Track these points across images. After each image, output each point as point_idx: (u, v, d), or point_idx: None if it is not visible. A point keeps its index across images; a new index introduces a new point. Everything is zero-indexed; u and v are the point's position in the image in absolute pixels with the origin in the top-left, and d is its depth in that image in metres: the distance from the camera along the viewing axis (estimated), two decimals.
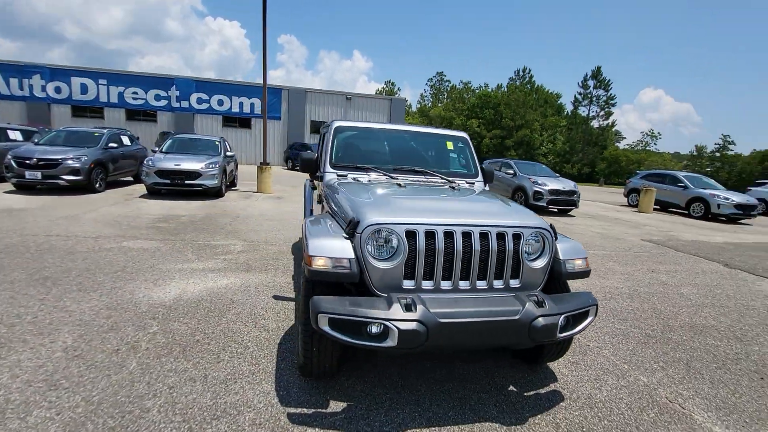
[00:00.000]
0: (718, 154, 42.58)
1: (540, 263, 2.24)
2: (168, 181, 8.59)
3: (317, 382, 2.34)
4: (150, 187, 8.83)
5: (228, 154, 10.30)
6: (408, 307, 1.86)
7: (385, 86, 63.46)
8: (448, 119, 49.55)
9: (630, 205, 15.26)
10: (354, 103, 27.41)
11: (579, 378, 2.61)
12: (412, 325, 1.81)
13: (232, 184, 11.29)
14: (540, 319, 1.96)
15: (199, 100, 24.55)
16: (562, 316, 2.02)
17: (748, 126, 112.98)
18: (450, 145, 3.69)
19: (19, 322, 2.79)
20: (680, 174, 14.48)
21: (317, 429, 1.96)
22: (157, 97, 23.94)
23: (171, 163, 8.68)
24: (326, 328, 1.84)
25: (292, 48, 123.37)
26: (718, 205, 12.28)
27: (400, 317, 1.82)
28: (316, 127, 27.02)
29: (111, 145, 9.44)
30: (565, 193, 11.22)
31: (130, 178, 11.17)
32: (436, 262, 2.06)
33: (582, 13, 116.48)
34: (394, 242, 2.06)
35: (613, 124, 47.02)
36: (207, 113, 24.86)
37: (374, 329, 1.86)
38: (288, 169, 22.60)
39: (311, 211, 4.37)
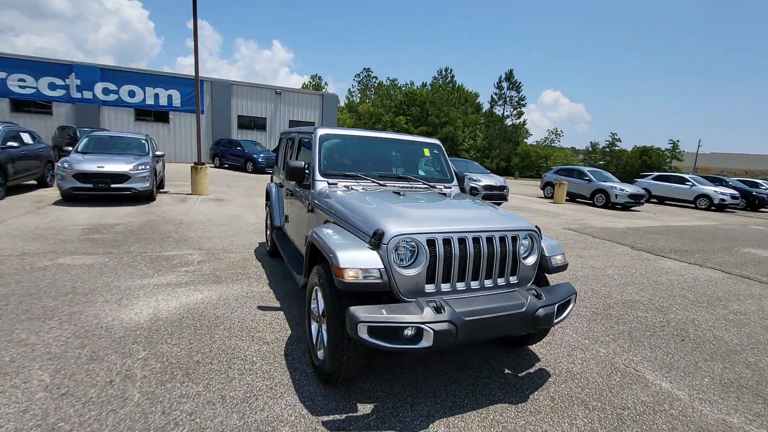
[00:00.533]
0: (608, 149, 49.34)
1: (531, 260, 2.57)
2: (90, 186, 7.60)
3: (338, 389, 2.42)
4: (66, 193, 7.72)
5: (157, 153, 9.39)
6: (437, 310, 2.05)
7: (311, 80, 62.13)
8: (377, 115, 50.29)
9: (546, 197, 17.15)
10: (284, 98, 26.47)
11: (555, 356, 3.04)
12: (445, 326, 2.00)
13: (160, 186, 10.33)
14: (541, 309, 2.28)
15: (106, 91, 21.60)
16: (556, 305, 2.37)
17: (629, 124, 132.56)
18: (427, 152, 3.92)
19: None
20: (585, 169, 16.64)
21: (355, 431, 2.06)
22: (52, 86, 20.52)
23: (92, 164, 7.68)
24: (365, 336, 1.94)
25: (205, 34, 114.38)
26: (616, 196, 14.42)
27: (433, 319, 2.00)
28: (245, 123, 25.62)
29: (10, 144, 8.02)
30: (497, 188, 12.32)
31: (33, 182, 9.61)
32: (452, 266, 2.27)
33: (494, 18, 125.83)
34: (417, 250, 2.22)
35: (524, 123, 51.83)
36: (116, 105, 22.01)
37: (408, 332, 2.01)
38: (215, 167, 21.13)
39: (286, 217, 4.30)
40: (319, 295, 2.50)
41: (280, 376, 2.52)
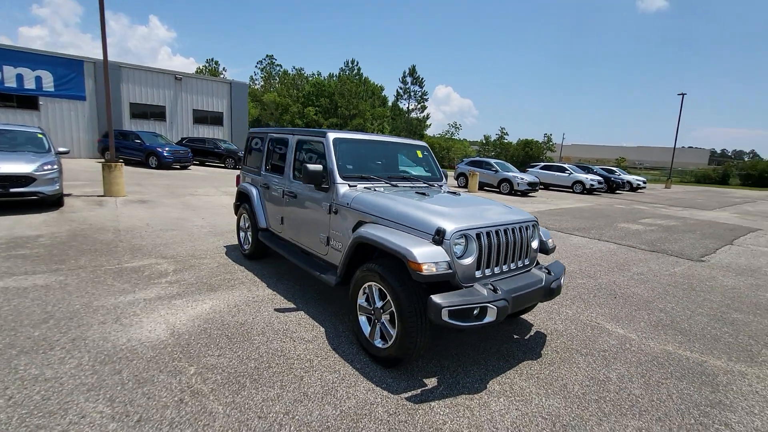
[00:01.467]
0: (497, 142, 55.64)
1: (535, 245, 3.20)
2: None
3: (399, 370, 2.73)
4: None
5: (60, 150, 7.97)
6: (494, 290, 2.52)
7: (207, 65, 56.68)
8: (284, 105, 48.43)
9: (460, 186, 18.96)
10: (186, 85, 23.87)
11: (541, 320, 3.78)
12: (502, 302, 2.48)
13: None
14: (553, 282, 2.92)
15: None
16: (561, 278, 3.05)
17: (513, 118, 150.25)
18: (419, 154, 4.32)
19: (4, 409, 2.09)
20: (492, 161, 18.82)
21: (436, 400, 2.43)
22: None
23: None
24: (446, 319, 2.32)
25: (58, 1, 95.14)
26: (518, 184, 16.70)
27: (494, 299, 2.46)
28: (139, 112, 22.49)
29: None
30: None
31: None
32: (492, 254, 2.76)
33: (398, 15, 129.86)
34: (468, 243, 2.65)
35: (427, 116, 55.30)
36: None
37: (476, 311, 2.44)
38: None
39: (281, 219, 4.28)
40: (374, 290, 2.76)
41: (343, 367, 2.73)
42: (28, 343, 2.76)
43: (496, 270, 2.82)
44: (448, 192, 3.88)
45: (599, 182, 20.37)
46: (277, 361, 2.74)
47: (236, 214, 5.33)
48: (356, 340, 3.06)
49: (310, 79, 54.77)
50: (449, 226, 2.59)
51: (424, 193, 3.45)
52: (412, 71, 51.78)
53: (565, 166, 21.88)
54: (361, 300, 2.91)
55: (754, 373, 3.04)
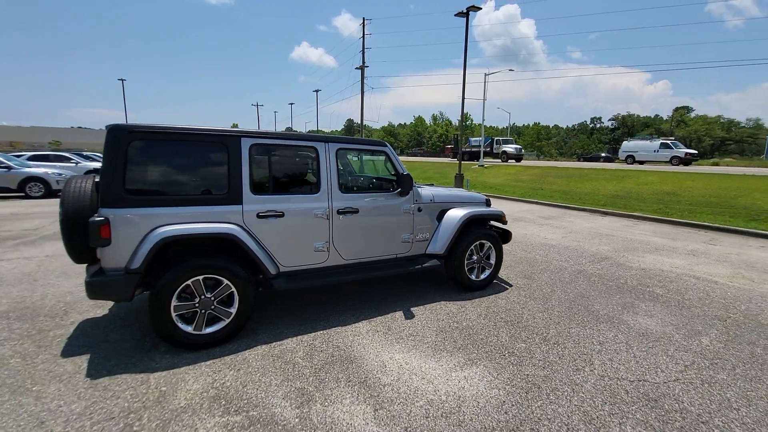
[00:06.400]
0: None
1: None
2: None
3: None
4: None
5: None
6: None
7: None
8: None
9: None
10: None
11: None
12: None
13: None
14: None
15: None
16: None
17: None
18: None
19: None
20: None
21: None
22: None
23: None
24: None
25: None
26: None
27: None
28: None
29: None
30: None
31: None
32: None
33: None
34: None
35: None
36: None
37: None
38: None
39: (274, 257, 3.65)
40: (485, 246, 4.70)
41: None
42: None
43: None
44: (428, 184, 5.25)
45: None
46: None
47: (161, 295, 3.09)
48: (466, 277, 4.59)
49: None
50: (484, 197, 5.11)
51: (432, 184, 5.18)
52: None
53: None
54: (472, 257, 4.64)
55: None
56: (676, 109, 76.10)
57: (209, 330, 3.27)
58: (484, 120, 29.74)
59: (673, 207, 11.26)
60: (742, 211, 10.20)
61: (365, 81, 31.65)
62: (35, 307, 4.10)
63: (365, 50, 33.66)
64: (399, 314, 4.02)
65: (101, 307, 4.09)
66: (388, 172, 4.46)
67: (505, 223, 4.95)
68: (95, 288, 2.94)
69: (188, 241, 3.19)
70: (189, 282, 3.13)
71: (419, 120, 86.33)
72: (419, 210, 4.35)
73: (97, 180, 3.37)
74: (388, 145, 4.27)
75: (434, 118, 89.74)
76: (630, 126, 76.00)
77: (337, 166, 3.90)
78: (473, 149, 33.23)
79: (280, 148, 3.70)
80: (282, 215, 3.55)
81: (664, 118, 78.84)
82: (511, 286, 4.92)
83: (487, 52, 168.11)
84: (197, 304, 3.21)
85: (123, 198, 2.99)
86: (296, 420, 2.42)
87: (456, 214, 4.52)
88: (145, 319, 3.78)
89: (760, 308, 4.30)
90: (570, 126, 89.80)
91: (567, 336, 3.59)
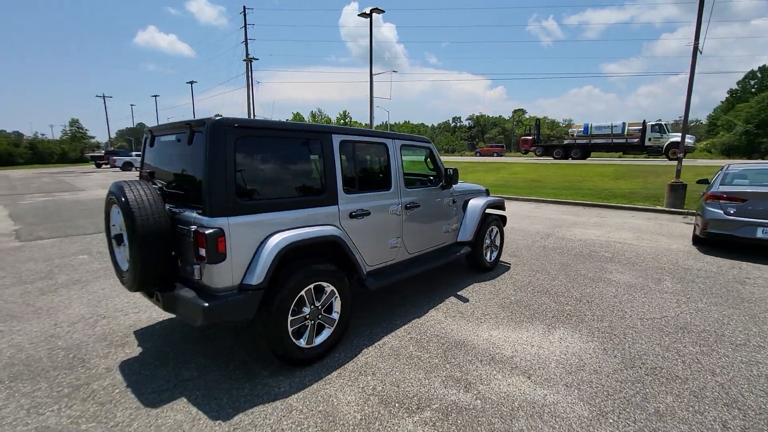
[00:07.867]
0: None
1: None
2: None
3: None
4: None
5: None
6: None
7: None
8: None
9: None
10: None
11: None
12: None
13: None
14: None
15: None
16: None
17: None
18: None
19: None
20: None
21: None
22: None
23: None
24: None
25: None
26: None
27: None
28: None
29: None
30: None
31: None
32: None
33: None
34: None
35: None
36: None
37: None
38: None
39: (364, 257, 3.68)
40: (494, 230, 5.37)
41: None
42: None
43: None
44: None
45: None
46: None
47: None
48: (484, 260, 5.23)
49: None
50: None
51: None
52: None
53: None
54: (486, 241, 5.20)
55: None
56: (515, 111, 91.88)
57: (318, 341, 3.06)
58: (372, 118, 30.99)
59: (542, 191, 14.05)
60: (588, 192, 13.36)
61: (241, 75, 29.49)
62: (30, 363, 3.06)
63: (248, 42, 31.37)
64: (454, 300, 4.33)
65: (110, 344, 3.30)
66: (426, 167, 4.71)
67: (504, 209, 5.69)
68: (218, 311, 2.47)
69: (298, 249, 2.90)
70: (303, 292, 2.88)
71: (297, 117, 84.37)
72: (453, 202, 4.79)
73: (158, 185, 2.87)
74: (431, 141, 4.61)
75: (313, 115, 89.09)
76: (482, 125, 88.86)
77: (402, 162, 3.98)
78: None
79: (359, 145, 3.61)
80: (369, 214, 3.50)
81: (506, 118, 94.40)
82: (509, 264, 5.68)
83: (353, 53, 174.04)
84: (308, 315, 2.97)
85: (236, 204, 2.59)
86: (478, 402, 2.58)
87: (477, 203, 5.11)
88: (190, 345, 3.33)
89: (675, 258, 6.00)
90: (435, 125, 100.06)
91: (588, 295, 4.47)
